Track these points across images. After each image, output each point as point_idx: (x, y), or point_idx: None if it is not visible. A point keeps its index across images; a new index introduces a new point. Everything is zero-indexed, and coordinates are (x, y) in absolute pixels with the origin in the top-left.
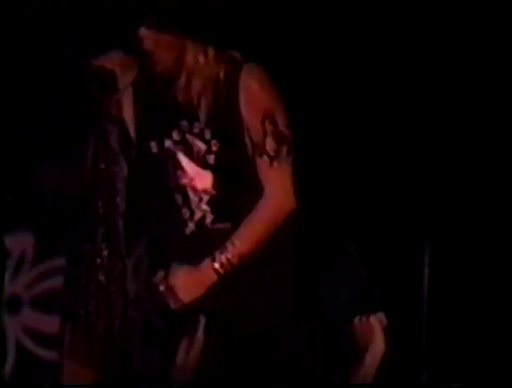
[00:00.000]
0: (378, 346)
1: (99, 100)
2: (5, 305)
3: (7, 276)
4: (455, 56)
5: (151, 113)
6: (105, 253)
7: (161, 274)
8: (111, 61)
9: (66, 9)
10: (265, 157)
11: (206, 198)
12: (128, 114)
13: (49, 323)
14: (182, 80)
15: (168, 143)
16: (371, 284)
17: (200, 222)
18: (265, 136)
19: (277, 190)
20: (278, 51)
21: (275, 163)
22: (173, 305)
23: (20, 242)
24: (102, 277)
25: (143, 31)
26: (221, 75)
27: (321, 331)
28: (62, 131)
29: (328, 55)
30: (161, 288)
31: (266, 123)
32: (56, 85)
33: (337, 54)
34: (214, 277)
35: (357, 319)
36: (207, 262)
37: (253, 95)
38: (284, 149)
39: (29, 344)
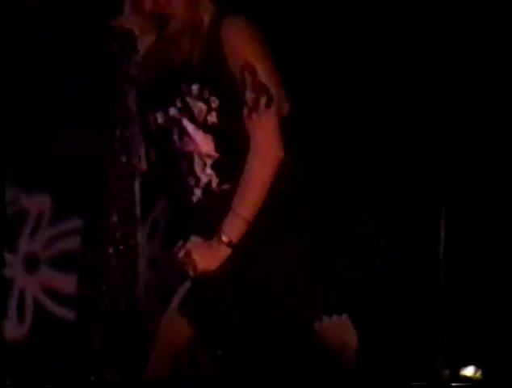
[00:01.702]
0: (353, 341)
1: (118, 61)
2: (23, 264)
3: (25, 235)
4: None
5: (155, 81)
6: (114, 218)
7: (179, 244)
8: (131, 21)
9: None
10: (245, 108)
11: (210, 162)
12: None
13: (67, 282)
14: (183, 39)
15: (173, 111)
16: (386, 251)
17: (207, 188)
18: (244, 86)
19: (258, 143)
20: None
21: (254, 115)
22: (191, 274)
23: (38, 203)
24: (110, 246)
25: None
26: (205, 29)
27: (336, 297)
28: (81, 93)
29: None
30: (180, 257)
31: (246, 73)
32: (76, 46)
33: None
34: (227, 250)
35: (326, 318)
36: (216, 237)
37: (233, 46)
38: (263, 101)
39: (47, 302)
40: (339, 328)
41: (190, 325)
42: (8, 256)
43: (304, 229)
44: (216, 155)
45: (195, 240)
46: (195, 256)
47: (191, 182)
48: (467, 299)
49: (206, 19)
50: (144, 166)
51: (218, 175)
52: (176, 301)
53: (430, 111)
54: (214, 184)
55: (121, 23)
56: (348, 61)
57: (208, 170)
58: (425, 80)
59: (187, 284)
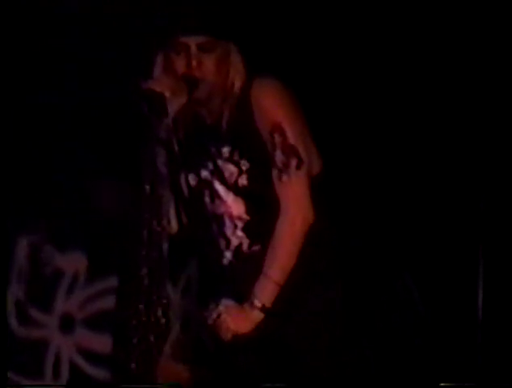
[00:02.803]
0: None
1: (149, 123)
2: (58, 324)
3: (61, 295)
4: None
5: (185, 143)
6: (146, 278)
7: (211, 306)
8: (162, 84)
9: (113, 32)
10: (275, 170)
11: (240, 224)
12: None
13: (101, 343)
14: (213, 102)
15: (204, 173)
16: (424, 311)
17: (237, 250)
18: (274, 148)
19: (288, 205)
20: (300, 63)
21: (284, 177)
22: (224, 337)
23: (73, 262)
24: (141, 304)
25: (195, 53)
26: (236, 91)
27: (372, 356)
28: (114, 153)
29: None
30: (212, 320)
31: (276, 135)
32: (109, 108)
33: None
34: (260, 315)
35: None
36: (249, 302)
37: (262, 108)
38: (293, 163)
39: (82, 363)
40: None
41: (185, 367)
42: (44, 316)
43: (336, 288)
44: (247, 217)
45: (227, 303)
46: (228, 319)
47: (222, 244)
48: (507, 358)
49: (237, 82)
50: (174, 227)
51: (248, 237)
52: (168, 347)
53: (466, 168)
54: (245, 246)
55: (152, 86)
56: (380, 119)
57: (239, 233)
58: (461, 138)
59: (177, 330)
